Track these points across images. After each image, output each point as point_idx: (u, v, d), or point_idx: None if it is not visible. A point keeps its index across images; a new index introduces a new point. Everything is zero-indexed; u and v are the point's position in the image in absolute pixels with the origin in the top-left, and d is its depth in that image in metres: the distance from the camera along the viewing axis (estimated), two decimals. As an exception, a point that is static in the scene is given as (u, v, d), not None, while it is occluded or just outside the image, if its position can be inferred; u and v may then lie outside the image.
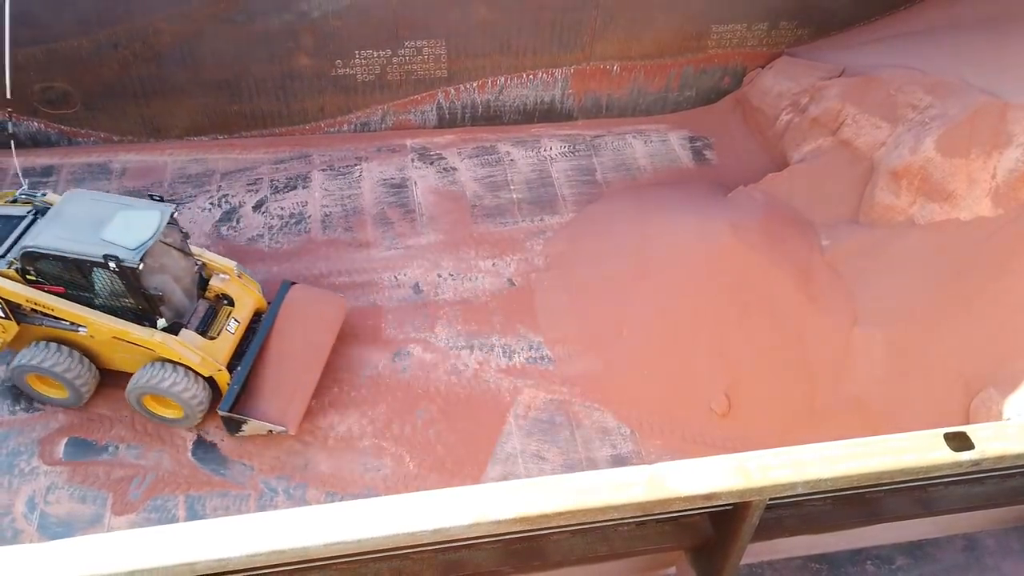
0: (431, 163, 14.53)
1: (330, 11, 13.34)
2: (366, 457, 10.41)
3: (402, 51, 14.08)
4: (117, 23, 12.98)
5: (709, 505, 3.58)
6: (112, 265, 9.16)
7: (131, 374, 10.16)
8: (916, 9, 14.64)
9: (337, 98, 14.47)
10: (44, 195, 10.68)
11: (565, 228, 13.44)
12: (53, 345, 10.00)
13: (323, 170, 14.23)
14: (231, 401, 10.01)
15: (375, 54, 14.00)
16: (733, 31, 14.90)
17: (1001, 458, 3.50)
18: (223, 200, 13.60)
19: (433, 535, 3.15)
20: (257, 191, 13.78)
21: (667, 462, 3.39)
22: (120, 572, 2.93)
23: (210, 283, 10.72)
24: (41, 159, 14.01)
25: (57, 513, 9.66)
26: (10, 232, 10.07)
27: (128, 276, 9.32)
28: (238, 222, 13.26)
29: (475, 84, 14.78)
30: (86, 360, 10.14)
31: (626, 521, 3.79)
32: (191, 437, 10.46)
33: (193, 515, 9.75)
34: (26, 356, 9.93)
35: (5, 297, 9.63)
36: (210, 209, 13.44)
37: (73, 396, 10.26)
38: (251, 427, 10.16)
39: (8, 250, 9.87)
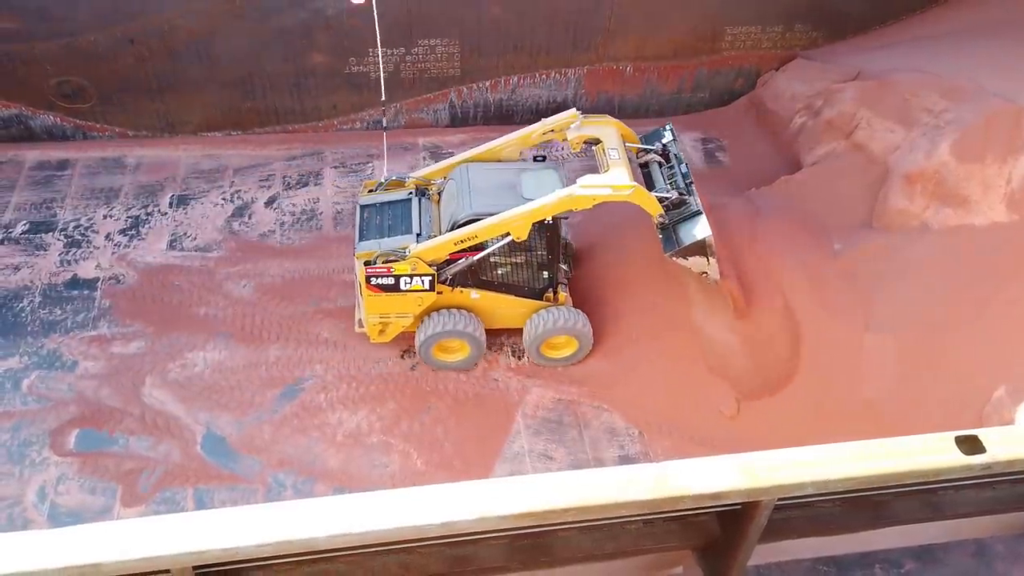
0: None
1: (345, 9, 13.38)
2: (374, 453, 10.44)
3: (416, 49, 14.11)
4: (133, 19, 13.08)
5: (717, 504, 3.58)
6: (548, 219, 10.15)
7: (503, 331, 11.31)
8: (931, 13, 14.55)
9: (350, 96, 14.51)
10: (409, 177, 11.47)
11: (575, 228, 13.40)
12: (445, 311, 10.87)
13: (335, 167, 14.28)
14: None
15: (389, 52, 14.01)
16: (747, 33, 14.85)
17: (1012, 463, 3.48)
18: (235, 196, 13.66)
19: (440, 529, 3.16)
20: (269, 187, 13.84)
21: (676, 460, 3.39)
22: (131, 559, 2.96)
23: (569, 138, 11.06)
24: (56, 153, 14.12)
25: (67, 504, 9.73)
26: (408, 213, 10.92)
27: (556, 226, 10.42)
28: (250, 218, 13.32)
29: (488, 83, 14.79)
30: (476, 316, 11.00)
31: (634, 519, 3.79)
32: (201, 431, 10.52)
33: (201, 508, 9.79)
34: (431, 327, 10.81)
35: (432, 261, 10.42)
36: (222, 204, 13.51)
37: (475, 351, 11.12)
38: (699, 263, 10.53)
39: (420, 227, 10.72)
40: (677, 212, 10.65)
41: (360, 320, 11.17)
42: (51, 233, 12.84)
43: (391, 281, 10.46)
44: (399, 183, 11.34)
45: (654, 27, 14.50)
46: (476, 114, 15.16)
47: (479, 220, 10.25)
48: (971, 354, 10.31)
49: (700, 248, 10.36)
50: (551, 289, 11.16)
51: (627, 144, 11.19)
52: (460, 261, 10.53)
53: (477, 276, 10.82)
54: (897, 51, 13.94)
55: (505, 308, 11.15)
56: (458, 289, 10.84)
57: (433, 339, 10.86)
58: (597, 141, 10.99)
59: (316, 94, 14.37)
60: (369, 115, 14.86)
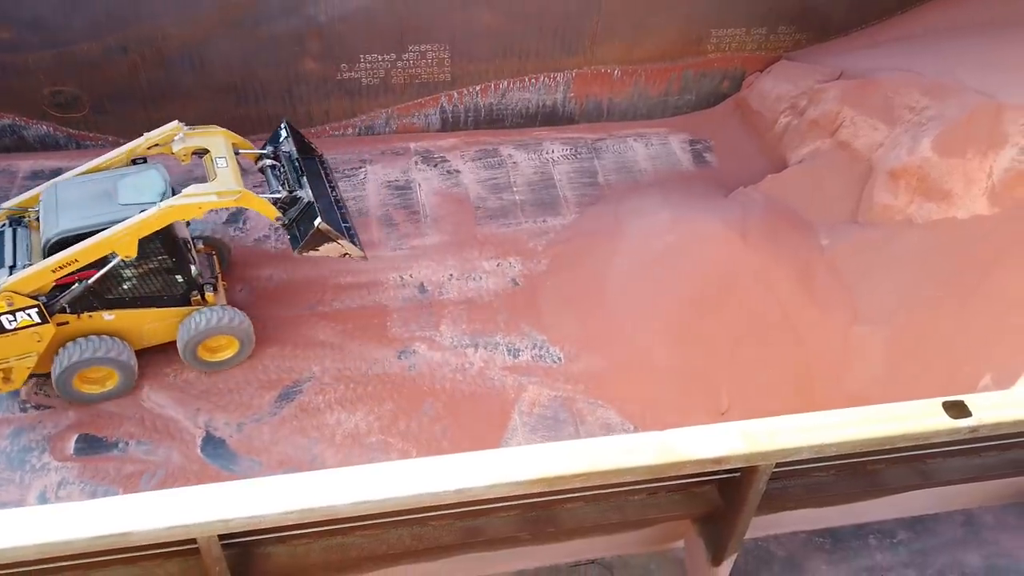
0: (435, 165, 14.69)
1: (336, 16, 13.54)
2: (373, 453, 10.52)
3: (406, 55, 14.27)
4: (126, 27, 13.17)
5: (718, 470, 3.73)
6: None
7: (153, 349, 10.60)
8: (912, 14, 14.85)
9: (342, 102, 14.65)
10: (1, 208, 10.60)
11: (567, 229, 13.61)
12: (82, 339, 10.14)
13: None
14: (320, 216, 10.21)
15: (380, 58, 14.19)
16: (732, 35, 15.11)
17: (998, 425, 3.65)
18: (230, 202, 13.73)
19: (455, 496, 3.29)
20: (263, 193, 13.90)
21: (677, 428, 3.54)
22: (159, 528, 3.08)
23: (175, 151, 10.69)
24: (50, 162, 14.16)
25: (68, 508, 9.76)
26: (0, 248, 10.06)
27: (167, 229, 9.90)
28: (244, 223, 13.41)
29: (478, 88, 14.97)
30: (119, 339, 10.39)
31: (638, 489, 3.93)
32: (200, 433, 10.58)
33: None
34: (66, 357, 9.97)
35: (33, 291, 9.52)
36: (217, 210, 13.57)
37: (124, 379, 10.49)
38: (331, 248, 10.47)
39: (14, 259, 9.85)
40: (295, 209, 10.63)
41: None
42: (46, 241, 12.87)
43: None
44: None
45: (641, 31, 14.73)
46: (467, 118, 15.33)
47: (75, 237, 9.46)
48: (956, 344, 10.54)
49: (321, 236, 10.33)
50: (197, 292, 10.70)
51: (241, 151, 11.18)
52: (73, 286, 9.67)
53: (102, 296, 10.08)
54: (879, 51, 14.23)
55: (151, 322, 10.55)
56: (86, 314, 10.08)
57: (67, 373, 9.99)
58: (206, 151, 10.76)
59: (308, 100, 14.49)
60: (361, 121, 15.00)
